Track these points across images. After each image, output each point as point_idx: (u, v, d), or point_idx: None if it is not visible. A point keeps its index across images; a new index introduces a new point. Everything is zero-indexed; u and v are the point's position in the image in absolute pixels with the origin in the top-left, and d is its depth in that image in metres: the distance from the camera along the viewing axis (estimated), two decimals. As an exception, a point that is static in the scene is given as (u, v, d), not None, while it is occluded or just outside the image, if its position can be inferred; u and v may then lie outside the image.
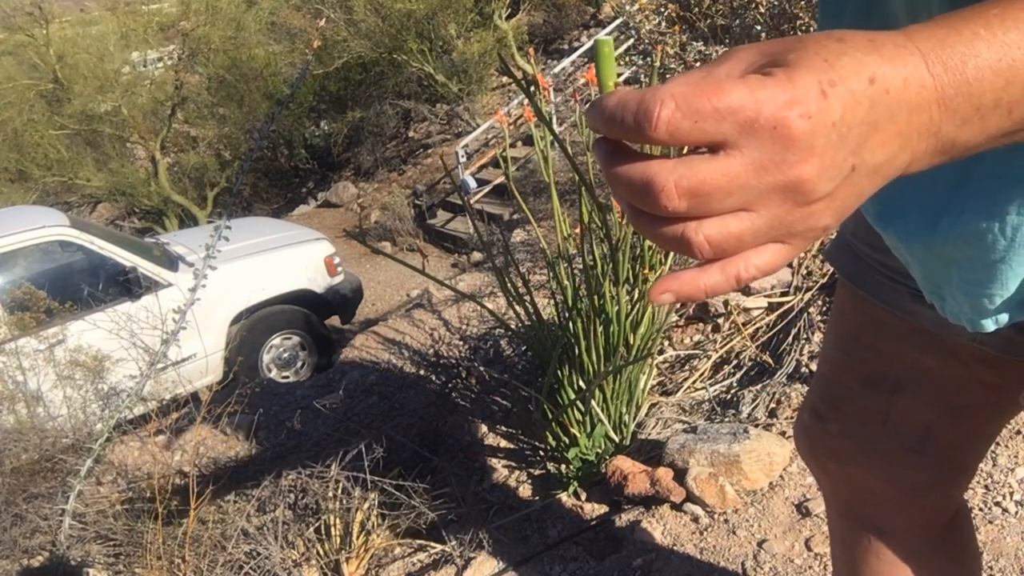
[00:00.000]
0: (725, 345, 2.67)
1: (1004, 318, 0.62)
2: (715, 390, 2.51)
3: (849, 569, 0.97)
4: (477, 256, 7.85)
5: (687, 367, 2.70)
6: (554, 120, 8.43)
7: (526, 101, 1.93)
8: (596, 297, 2.09)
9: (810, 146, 0.38)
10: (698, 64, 4.18)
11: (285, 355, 5.19)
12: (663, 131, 0.38)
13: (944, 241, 0.59)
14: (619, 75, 5.90)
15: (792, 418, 2.19)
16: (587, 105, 0.42)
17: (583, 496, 2.14)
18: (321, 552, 1.96)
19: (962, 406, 0.81)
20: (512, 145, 9.19)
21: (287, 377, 5.13)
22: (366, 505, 1.98)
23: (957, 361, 0.77)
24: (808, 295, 2.63)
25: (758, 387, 2.38)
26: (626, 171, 0.40)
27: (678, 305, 2.76)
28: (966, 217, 0.57)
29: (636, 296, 2.19)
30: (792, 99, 0.37)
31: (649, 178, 0.39)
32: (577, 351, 2.13)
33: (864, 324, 0.84)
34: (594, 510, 2.08)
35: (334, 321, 5.74)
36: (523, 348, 2.72)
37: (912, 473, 0.85)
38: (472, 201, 8.67)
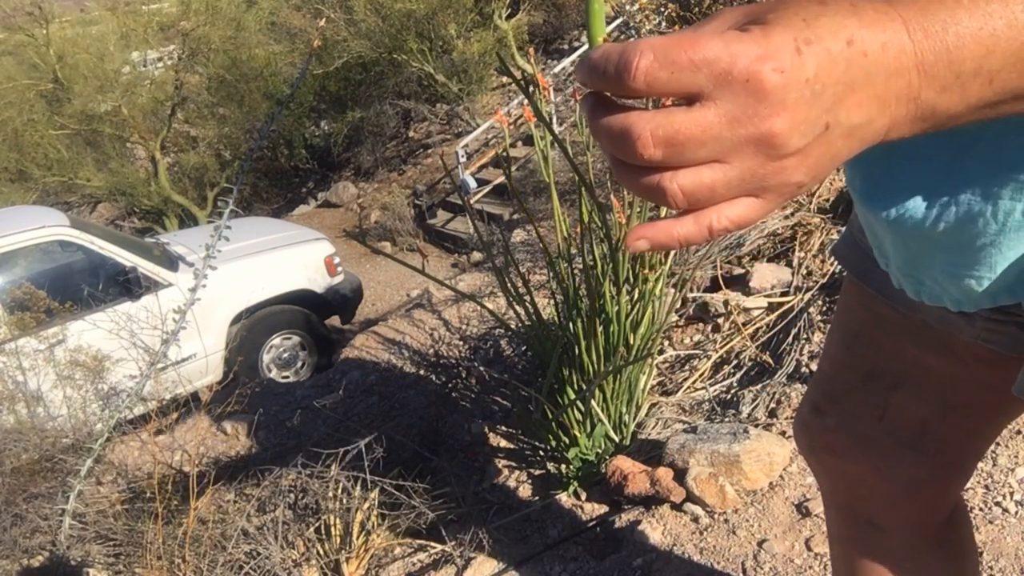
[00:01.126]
0: (725, 345, 2.67)
1: (988, 300, 0.62)
2: (715, 390, 2.51)
3: (847, 565, 0.98)
4: (477, 256, 7.85)
5: (687, 367, 2.70)
6: (554, 120, 8.43)
7: (526, 101, 1.93)
8: (596, 297, 2.09)
9: (782, 100, 0.38)
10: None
11: (285, 355, 5.20)
12: (641, 80, 0.39)
13: (935, 224, 0.58)
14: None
15: (792, 418, 2.19)
16: (578, 61, 0.44)
17: (583, 496, 2.14)
18: (321, 552, 1.96)
19: (960, 405, 0.81)
20: (512, 145, 9.19)
21: (287, 377, 5.13)
22: (366, 505, 1.98)
23: (957, 360, 0.77)
24: (808, 295, 2.63)
25: (758, 387, 2.38)
26: (607, 121, 0.42)
27: (678, 305, 2.76)
28: (959, 200, 0.57)
29: (636, 296, 2.19)
30: (766, 53, 0.38)
31: (627, 127, 0.41)
32: (577, 351, 2.13)
33: (867, 320, 0.84)
34: (594, 510, 2.08)
35: (334, 321, 5.74)
36: (523, 348, 2.72)
37: (907, 469, 0.85)
38: (472, 201, 8.67)
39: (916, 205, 0.59)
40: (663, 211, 2.39)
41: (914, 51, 0.40)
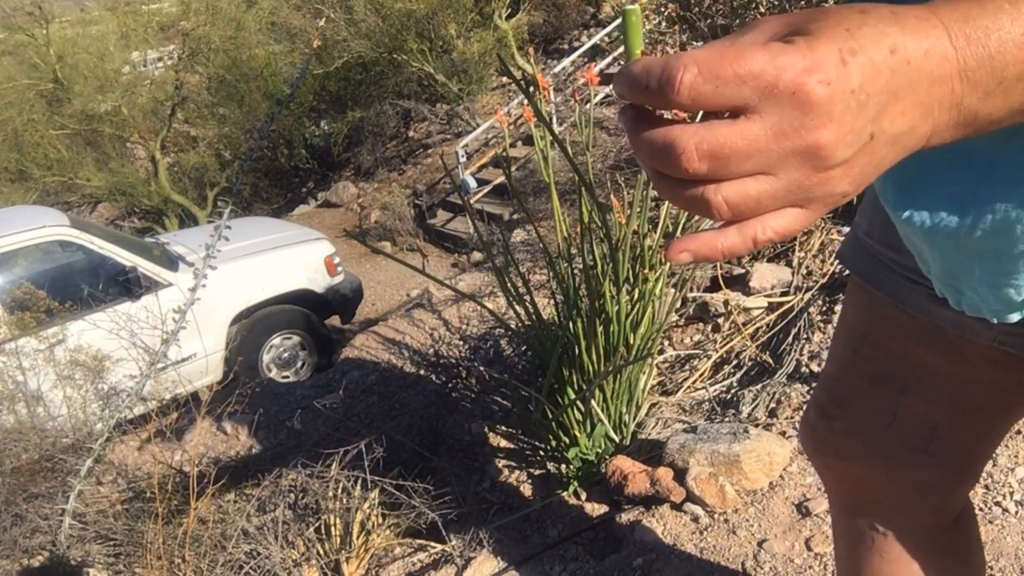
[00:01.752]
0: (725, 345, 2.67)
1: None
2: (715, 390, 2.51)
3: (852, 567, 0.97)
4: (477, 256, 7.85)
5: (687, 367, 2.70)
6: (554, 120, 8.43)
7: (526, 101, 1.93)
8: (596, 297, 2.09)
9: (828, 112, 0.38)
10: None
11: (285, 355, 5.19)
12: (685, 95, 0.39)
13: (970, 233, 0.58)
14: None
15: (792, 418, 2.19)
16: (616, 72, 0.43)
17: (583, 496, 2.14)
18: (321, 552, 1.96)
19: (970, 407, 0.80)
20: (512, 145, 9.19)
21: (287, 377, 5.13)
22: (366, 505, 1.98)
23: (967, 362, 0.76)
24: (808, 295, 2.63)
25: (758, 387, 2.38)
26: (649, 135, 0.41)
27: (678, 305, 2.76)
28: (994, 208, 0.56)
29: (636, 296, 2.19)
30: (812, 65, 0.38)
31: (671, 141, 0.40)
32: (577, 351, 2.13)
33: (874, 323, 0.84)
34: (594, 510, 2.07)
35: (334, 321, 5.74)
36: (523, 348, 2.72)
37: (917, 473, 0.85)
38: (472, 201, 8.67)
39: (952, 214, 0.58)
40: (704, 221, 2.38)
41: (956, 58, 0.40)
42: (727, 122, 0.39)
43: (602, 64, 8.69)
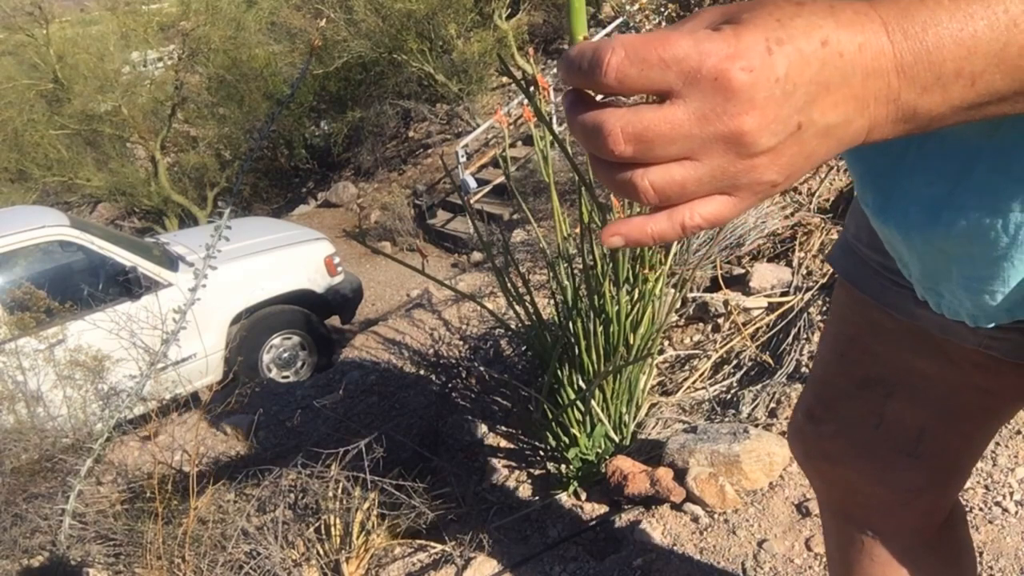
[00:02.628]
0: (725, 345, 2.67)
1: (1006, 314, 0.62)
2: (715, 390, 2.51)
3: (843, 569, 0.97)
4: (477, 256, 7.85)
5: (687, 367, 2.70)
6: (554, 120, 8.43)
7: (526, 101, 1.93)
8: (596, 297, 2.09)
9: (751, 98, 0.39)
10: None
11: (285, 355, 5.19)
12: (612, 76, 0.40)
13: (946, 236, 0.58)
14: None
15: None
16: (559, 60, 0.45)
17: (583, 496, 2.14)
18: (321, 552, 1.96)
19: (956, 410, 0.80)
20: (512, 145, 9.19)
21: (287, 377, 5.13)
22: (366, 505, 1.98)
23: (953, 366, 0.77)
24: (808, 295, 2.63)
25: (758, 387, 2.38)
26: (582, 118, 0.42)
27: (678, 305, 2.76)
28: (968, 212, 0.56)
29: (636, 296, 2.18)
30: (735, 52, 0.39)
31: (599, 123, 0.41)
32: (577, 351, 2.13)
33: (861, 326, 0.84)
34: (594, 510, 2.07)
35: (334, 321, 5.74)
36: (523, 348, 2.72)
37: (905, 476, 0.85)
38: (472, 201, 8.67)
39: (928, 219, 0.59)
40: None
41: (893, 52, 0.40)
42: (653, 107, 0.40)
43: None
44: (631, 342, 2.19)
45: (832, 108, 0.40)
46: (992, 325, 0.64)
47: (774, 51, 0.39)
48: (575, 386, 2.17)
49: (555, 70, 9.29)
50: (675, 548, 1.82)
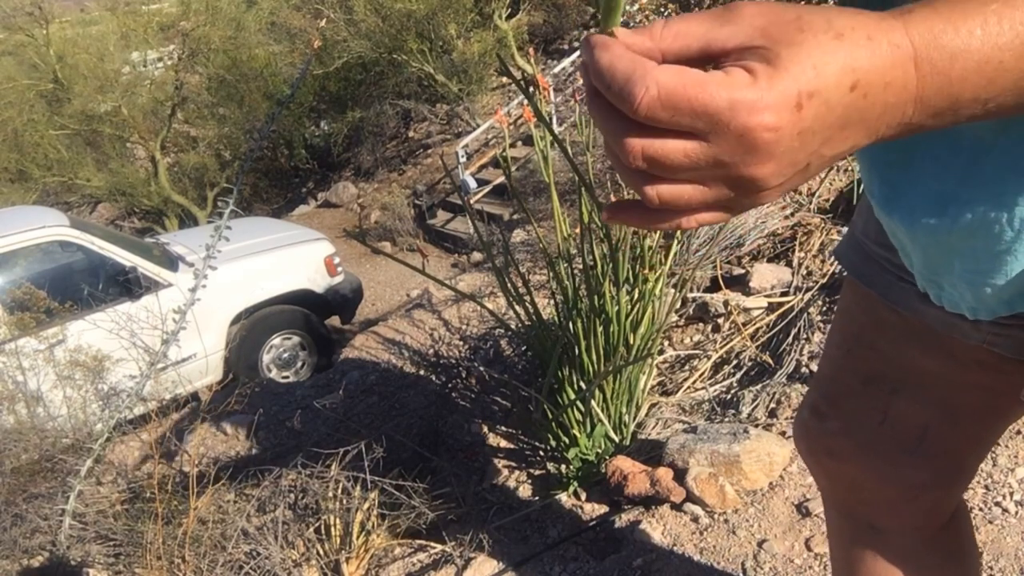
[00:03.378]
0: (725, 345, 2.67)
1: (1006, 307, 0.62)
2: (715, 390, 2.51)
3: (846, 567, 0.97)
4: (477, 256, 7.85)
5: (687, 367, 2.70)
6: (554, 120, 8.43)
7: (526, 101, 1.93)
8: (596, 297, 2.09)
9: (770, 153, 0.40)
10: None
11: (285, 355, 5.19)
12: (642, 114, 0.40)
13: (950, 230, 0.59)
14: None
15: (792, 418, 2.19)
16: (585, 40, 0.45)
17: (583, 496, 2.14)
18: (321, 552, 1.96)
19: (961, 409, 0.80)
20: (512, 145, 9.19)
21: (287, 377, 5.13)
22: (366, 505, 1.98)
23: (958, 364, 0.76)
24: (808, 295, 2.63)
25: (758, 387, 2.38)
26: (605, 117, 0.43)
27: (678, 305, 2.76)
28: (974, 207, 0.57)
29: (636, 296, 2.19)
30: (766, 105, 0.39)
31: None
32: (577, 351, 2.13)
33: (868, 323, 0.84)
34: (594, 510, 2.07)
35: (334, 321, 5.74)
36: (523, 348, 2.72)
37: (909, 473, 0.85)
38: (472, 201, 8.67)
39: (933, 211, 0.59)
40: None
41: (916, 87, 0.41)
42: (673, 138, 0.41)
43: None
44: (631, 342, 2.19)
45: (842, 142, 0.42)
46: (992, 318, 0.64)
47: (804, 106, 0.39)
48: (575, 386, 2.17)
49: (555, 70, 9.29)
50: (675, 548, 1.82)
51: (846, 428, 0.88)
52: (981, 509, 1.74)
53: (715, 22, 0.42)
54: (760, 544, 1.78)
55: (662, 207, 0.44)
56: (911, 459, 0.84)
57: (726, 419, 2.29)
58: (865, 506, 0.91)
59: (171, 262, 4.76)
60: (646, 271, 2.17)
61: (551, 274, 2.28)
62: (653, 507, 1.95)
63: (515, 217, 7.90)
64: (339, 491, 1.98)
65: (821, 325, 2.50)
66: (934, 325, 0.75)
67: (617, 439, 2.22)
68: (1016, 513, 1.71)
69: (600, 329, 2.10)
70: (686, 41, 0.42)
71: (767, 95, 0.39)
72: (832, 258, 2.75)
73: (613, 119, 0.43)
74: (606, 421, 2.19)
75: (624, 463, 2.03)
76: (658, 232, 2.35)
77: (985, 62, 0.40)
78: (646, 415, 2.36)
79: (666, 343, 2.82)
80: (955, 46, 0.40)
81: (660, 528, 1.88)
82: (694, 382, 2.58)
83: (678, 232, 2.34)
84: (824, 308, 2.57)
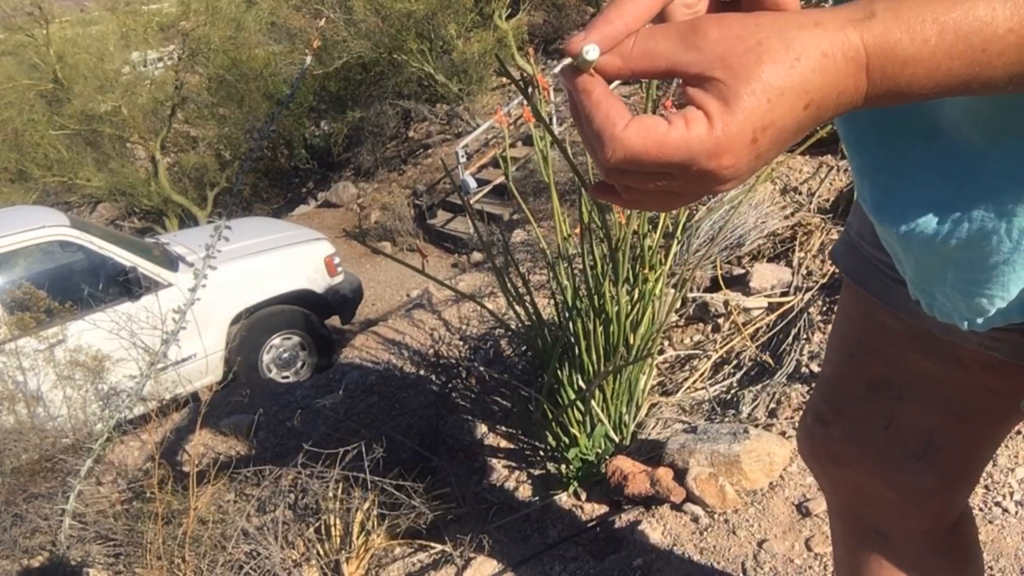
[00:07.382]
0: (725, 345, 2.67)
1: (999, 318, 0.61)
2: (715, 390, 2.51)
3: (851, 572, 0.97)
4: (477, 256, 7.85)
5: (687, 367, 2.70)
6: (554, 120, 8.42)
7: (526, 101, 1.93)
8: (596, 297, 2.09)
9: (732, 176, 0.45)
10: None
11: (285, 355, 5.19)
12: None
13: (947, 241, 0.57)
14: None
15: (792, 418, 2.19)
16: (560, 68, 0.51)
17: (583, 496, 2.14)
18: (321, 552, 1.96)
19: (966, 413, 0.80)
20: (512, 145, 9.19)
21: (287, 377, 5.13)
22: (366, 505, 1.98)
23: (961, 367, 0.76)
24: (808, 295, 2.63)
25: (758, 387, 2.38)
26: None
27: (678, 305, 2.76)
28: (972, 216, 0.55)
29: (636, 296, 2.18)
30: (722, 149, 0.43)
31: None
32: (577, 351, 2.13)
33: (868, 328, 0.83)
34: (594, 510, 2.07)
35: (334, 321, 5.74)
36: (523, 348, 2.72)
37: (915, 479, 0.84)
38: (472, 201, 8.67)
39: (928, 220, 0.58)
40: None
41: (867, 90, 0.43)
42: (643, 175, 0.46)
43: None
44: (631, 342, 2.19)
45: (793, 137, 0.45)
46: (986, 330, 0.63)
47: (759, 139, 0.43)
48: (575, 386, 2.17)
49: (555, 70, 9.27)
50: (675, 548, 1.82)
51: (851, 435, 0.87)
52: (981, 509, 1.74)
53: (680, 44, 0.44)
54: (760, 544, 1.78)
55: (628, 207, 0.49)
56: (917, 465, 0.83)
57: (726, 419, 2.29)
58: (870, 511, 0.91)
59: (171, 262, 4.76)
60: (646, 271, 2.17)
61: (551, 274, 2.28)
62: (653, 507, 1.95)
63: (515, 217, 7.90)
64: (339, 491, 1.98)
65: (821, 325, 2.50)
66: (933, 329, 0.74)
67: (617, 439, 2.22)
68: (1016, 513, 1.71)
69: (600, 329, 2.10)
70: (653, 62, 0.45)
71: (723, 140, 0.43)
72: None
73: (594, 129, 0.46)
74: (606, 421, 2.19)
75: (624, 463, 2.03)
76: (658, 232, 2.35)
77: (935, 69, 0.42)
78: (646, 415, 2.36)
79: (666, 343, 2.82)
80: (908, 55, 0.42)
81: (660, 528, 1.88)
82: (694, 382, 2.58)
83: (678, 232, 2.34)
84: (824, 308, 2.57)
